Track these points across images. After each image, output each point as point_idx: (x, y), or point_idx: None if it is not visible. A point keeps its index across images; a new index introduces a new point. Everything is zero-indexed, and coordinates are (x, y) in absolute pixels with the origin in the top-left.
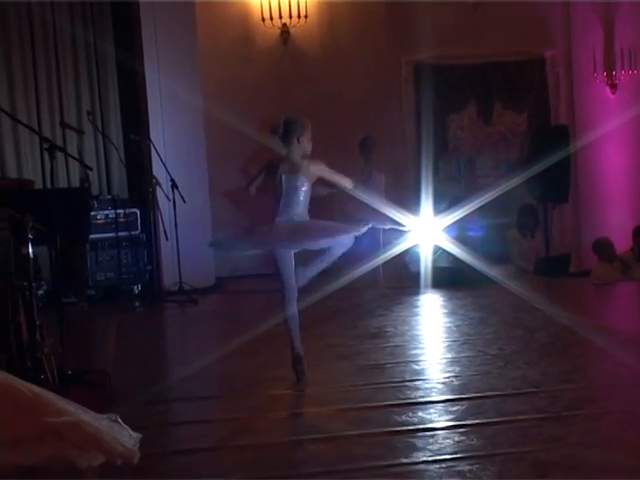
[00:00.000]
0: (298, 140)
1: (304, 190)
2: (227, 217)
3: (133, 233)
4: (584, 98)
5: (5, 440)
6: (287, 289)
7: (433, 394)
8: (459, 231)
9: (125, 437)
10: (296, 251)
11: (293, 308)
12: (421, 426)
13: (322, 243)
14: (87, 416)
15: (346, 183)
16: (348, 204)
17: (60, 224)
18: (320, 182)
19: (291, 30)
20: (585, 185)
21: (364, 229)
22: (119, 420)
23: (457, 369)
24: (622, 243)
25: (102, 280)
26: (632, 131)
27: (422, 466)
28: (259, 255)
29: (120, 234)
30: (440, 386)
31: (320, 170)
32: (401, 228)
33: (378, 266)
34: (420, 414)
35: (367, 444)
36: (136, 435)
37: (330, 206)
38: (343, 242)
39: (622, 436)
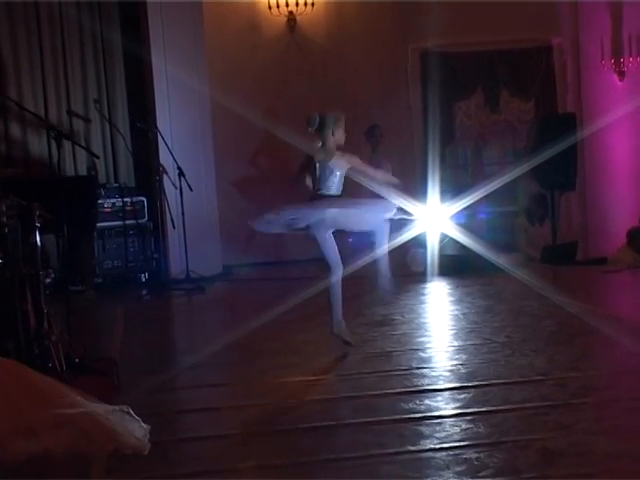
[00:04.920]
0: (332, 133)
1: (337, 176)
2: (234, 205)
3: (140, 221)
4: (591, 85)
5: (20, 430)
6: (333, 268)
7: (440, 382)
8: (467, 217)
9: (136, 428)
10: (332, 230)
11: (337, 285)
12: (428, 414)
13: (353, 213)
14: (100, 408)
15: (378, 176)
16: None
17: (67, 212)
18: (353, 171)
19: (298, 18)
20: (592, 173)
21: (394, 207)
22: (131, 412)
23: (464, 357)
24: None
25: (109, 268)
26: None
27: (429, 453)
28: (294, 239)
29: (127, 222)
30: (447, 374)
31: (352, 161)
32: (409, 217)
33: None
34: (427, 402)
35: (374, 432)
36: (146, 426)
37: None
38: (381, 227)
39: (630, 424)
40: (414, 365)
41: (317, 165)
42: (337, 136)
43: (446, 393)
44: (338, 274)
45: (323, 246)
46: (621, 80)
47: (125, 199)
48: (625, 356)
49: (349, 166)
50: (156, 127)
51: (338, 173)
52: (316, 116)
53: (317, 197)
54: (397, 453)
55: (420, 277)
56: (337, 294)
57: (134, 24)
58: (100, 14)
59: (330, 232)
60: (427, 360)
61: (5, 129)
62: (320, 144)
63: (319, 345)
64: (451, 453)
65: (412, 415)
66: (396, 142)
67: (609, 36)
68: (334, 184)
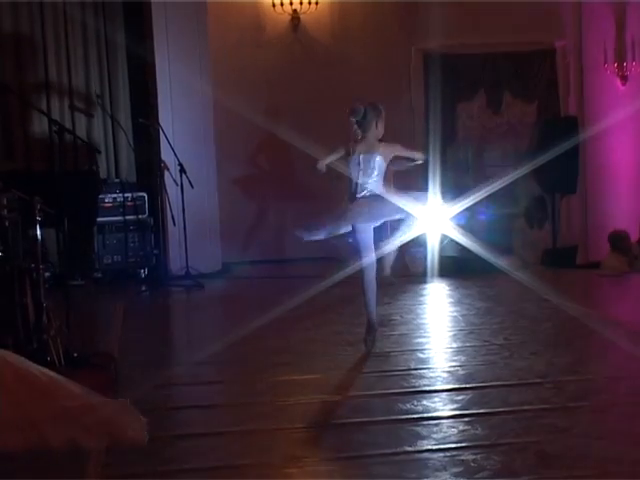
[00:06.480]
0: (376, 125)
1: (379, 168)
2: (235, 203)
3: (140, 217)
4: (594, 89)
5: (21, 423)
6: (366, 261)
7: (438, 383)
8: (468, 218)
9: (134, 421)
10: (376, 225)
11: (372, 281)
12: (425, 415)
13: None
14: (99, 400)
15: (417, 156)
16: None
17: (68, 207)
18: (398, 159)
19: (301, 16)
20: (593, 176)
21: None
22: (129, 405)
23: (462, 358)
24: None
25: (109, 263)
26: None
27: (426, 454)
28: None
29: (127, 218)
30: (445, 375)
31: (394, 150)
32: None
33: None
34: (425, 403)
35: (371, 432)
36: (144, 420)
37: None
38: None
39: (627, 428)
40: (412, 366)
41: (360, 158)
42: (379, 128)
43: (444, 394)
44: (369, 269)
45: (359, 237)
46: (623, 84)
47: (126, 194)
48: (624, 360)
49: (392, 155)
50: (158, 123)
51: (378, 167)
52: (361, 107)
53: (355, 200)
54: (394, 453)
55: (419, 278)
56: (372, 290)
57: (137, 20)
58: (104, 10)
59: (371, 226)
60: (425, 361)
61: (7, 122)
62: (361, 136)
63: (317, 344)
64: (448, 454)
65: (409, 416)
66: (398, 142)
67: (612, 40)
68: (374, 180)
